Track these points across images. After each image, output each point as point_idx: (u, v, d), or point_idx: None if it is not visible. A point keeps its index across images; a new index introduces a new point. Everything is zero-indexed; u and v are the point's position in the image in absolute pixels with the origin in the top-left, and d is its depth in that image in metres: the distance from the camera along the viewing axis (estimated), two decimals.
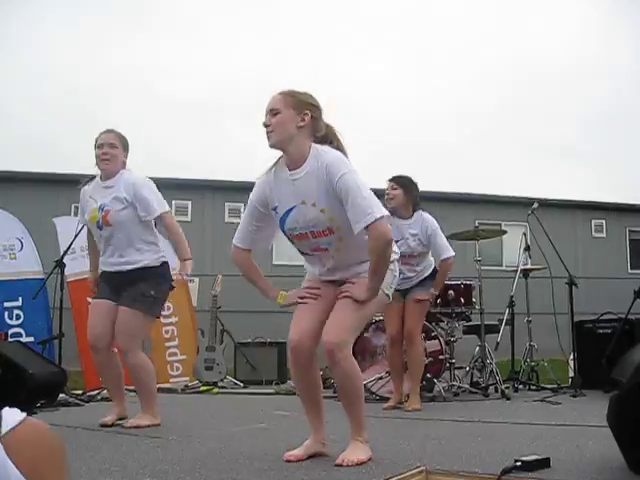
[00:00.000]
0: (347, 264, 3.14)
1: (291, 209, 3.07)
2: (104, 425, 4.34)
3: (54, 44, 33.73)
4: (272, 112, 3.04)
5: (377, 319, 6.41)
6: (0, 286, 8.33)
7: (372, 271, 3.00)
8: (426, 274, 5.77)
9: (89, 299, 8.36)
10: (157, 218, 4.51)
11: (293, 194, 3.05)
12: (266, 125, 3.03)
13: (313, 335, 3.07)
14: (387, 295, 3.15)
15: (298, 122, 3.03)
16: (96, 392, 6.76)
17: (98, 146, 4.49)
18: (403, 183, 5.62)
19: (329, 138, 3.14)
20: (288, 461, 3.00)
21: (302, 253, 3.23)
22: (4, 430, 1.17)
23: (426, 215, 5.68)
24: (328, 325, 3.00)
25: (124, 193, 4.41)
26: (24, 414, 1.24)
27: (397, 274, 3.22)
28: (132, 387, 4.80)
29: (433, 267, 5.82)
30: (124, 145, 4.58)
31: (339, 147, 3.13)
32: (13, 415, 1.22)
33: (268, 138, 3.05)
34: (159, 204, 4.48)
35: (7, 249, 8.60)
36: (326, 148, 3.07)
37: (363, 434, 3.09)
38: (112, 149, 4.48)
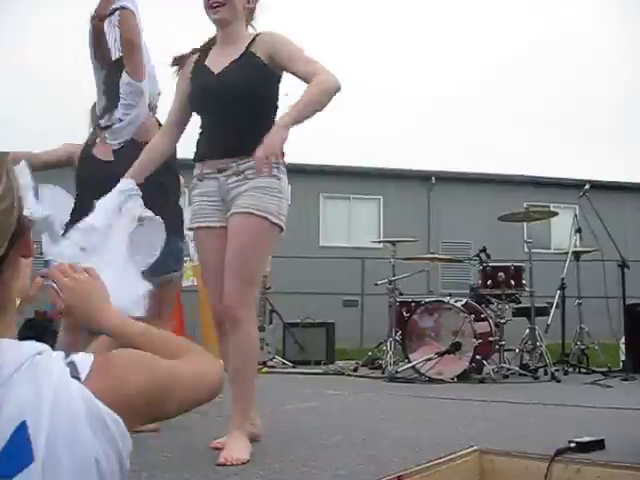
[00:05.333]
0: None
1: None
2: None
3: None
4: None
5: (427, 301, 6.47)
6: None
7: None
8: None
9: None
10: None
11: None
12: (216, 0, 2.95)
13: None
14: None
15: (245, 4, 3.03)
16: None
17: None
18: None
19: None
20: (216, 448, 2.75)
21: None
22: (84, 375, 1.01)
23: None
24: (226, 283, 2.82)
25: None
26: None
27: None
28: None
29: None
30: None
31: None
32: (82, 359, 1.04)
33: (215, 12, 2.95)
34: None
35: None
36: None
37: (246, 424, 2.79)
38: None
